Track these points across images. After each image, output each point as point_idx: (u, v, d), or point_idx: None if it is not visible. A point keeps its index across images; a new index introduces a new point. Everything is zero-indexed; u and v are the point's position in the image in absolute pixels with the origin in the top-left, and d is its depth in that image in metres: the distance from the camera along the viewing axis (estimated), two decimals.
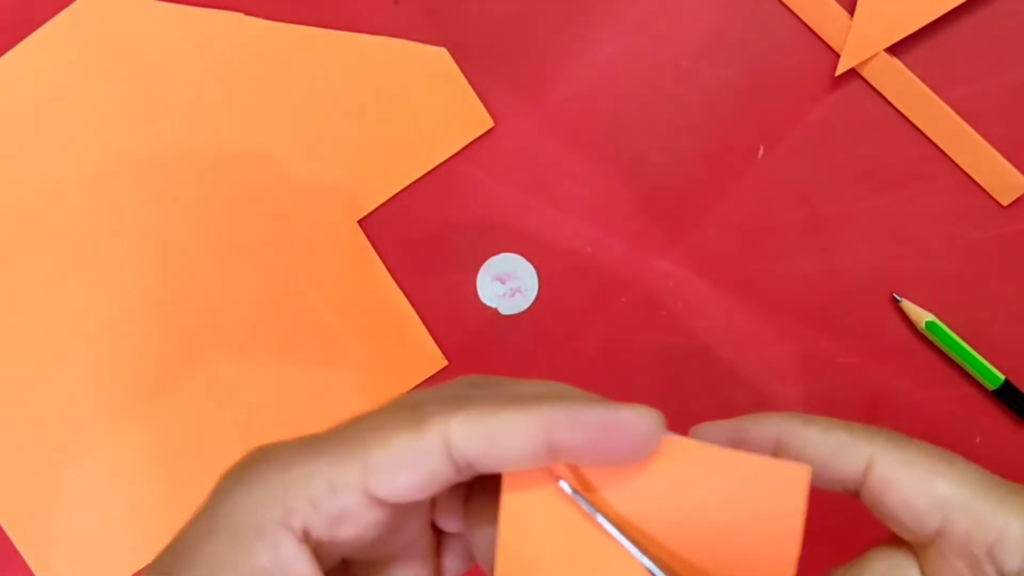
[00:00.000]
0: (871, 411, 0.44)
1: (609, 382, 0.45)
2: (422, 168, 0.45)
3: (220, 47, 0.45)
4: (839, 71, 0.42)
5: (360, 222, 0.45)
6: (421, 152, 0.45)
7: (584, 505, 0.22)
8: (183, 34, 0.45)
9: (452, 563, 0.26)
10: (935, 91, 0.42)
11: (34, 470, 0.47)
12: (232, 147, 0.45)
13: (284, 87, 0.45)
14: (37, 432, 0.47)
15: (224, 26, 0.45)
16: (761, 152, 0.44)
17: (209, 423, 0.46)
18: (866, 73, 0.43)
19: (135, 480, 0.47)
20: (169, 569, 0.22)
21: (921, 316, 0.43)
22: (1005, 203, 0.43)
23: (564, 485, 0.22)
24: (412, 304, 0.45)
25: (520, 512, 0.22)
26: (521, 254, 0.45)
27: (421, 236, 0.45)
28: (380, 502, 0.21)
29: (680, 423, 0.46)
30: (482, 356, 0.46)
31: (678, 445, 0.22)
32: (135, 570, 0.47)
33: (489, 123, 0.44)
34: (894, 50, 0.42)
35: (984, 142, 0.42)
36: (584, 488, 0.22)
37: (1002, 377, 0.43)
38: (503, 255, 0.45)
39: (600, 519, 0.22)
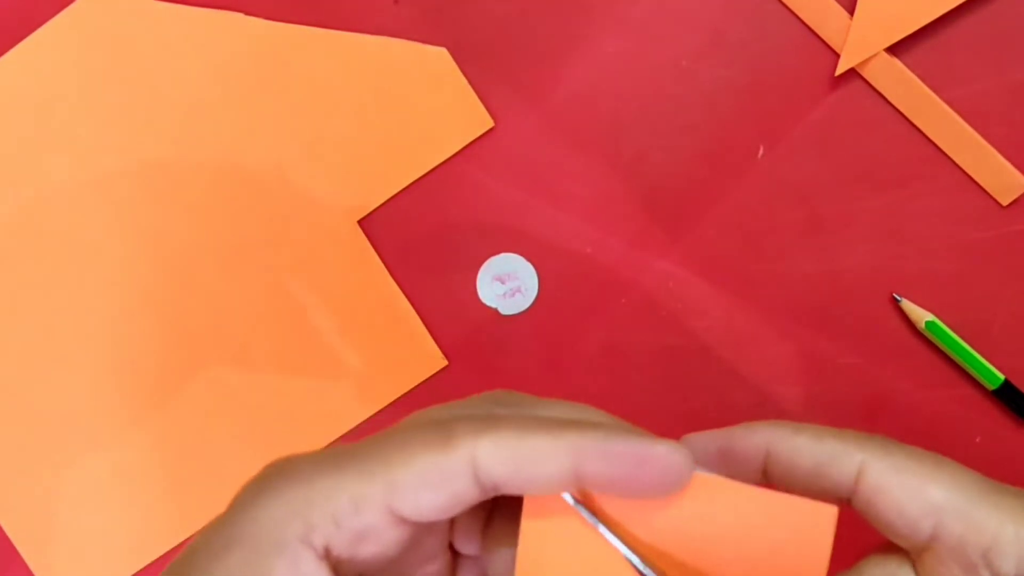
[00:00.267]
0: (871, 411, 0.44)
1: (609, 382, 0.45)
2: (422, 168, 0.45)
3: (220, 47, 0.45)
4: (839, 71, 0.42)
5: (360, 222, 0.45)
6: (421, 152, 0.45)
7: (587, 517, 0.21)
8: (183, 34, 0.45)
9: None
10: (935, 91, 0.42)
11: (34, 470, 0.47)
12: (232, 147, 0.45)
13: (284, 87, 0.45)
14: (37, 432, 0.47)
15: (224, 26, 0.45)
16: (761, 152, 0.44)
17: (209, 423, 0.46)
18: (866, 73, 0.43)
19: (135, 480, 0.47)
20: None
21: (921, 316, 0.43)
22: (1005, 203, 0.43)
23: (567, 497, 0.21)
24: (412, 304, 0.45)
25: (539, 537, 0.22)
26: (521, 254, 0.45)
27: (421, 236, 0.45)
28: (402, 520, 0.21)
29: (680, 423, 0.46)
30: (482, 356, 0.46)
31: (705, 480, 0.22)
32: (135, 570, 0.47)
33: (489, 123, 0.44)
34: (894, 50, 0.42)
35: (984, 142, 0.42)
36: (604, 516, 0.22)
37: (1002, 377, 0.43)
38: (503, 255, 0.45)
39: (603, 531, 0.21)
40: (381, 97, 0.45)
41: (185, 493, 0.47)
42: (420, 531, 0.22)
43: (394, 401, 0.46)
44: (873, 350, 0.44)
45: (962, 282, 0.43)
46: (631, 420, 0.46)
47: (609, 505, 0.22)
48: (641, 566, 0.21)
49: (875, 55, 0.42)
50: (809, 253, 0.44)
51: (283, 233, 0.46)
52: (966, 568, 0.22)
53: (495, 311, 0.45)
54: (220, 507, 0.50)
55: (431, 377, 0.46)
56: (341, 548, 0.21)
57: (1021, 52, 0.42)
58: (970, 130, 0.42)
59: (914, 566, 0.23)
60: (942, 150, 0.43)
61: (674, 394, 0.45)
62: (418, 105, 0.45)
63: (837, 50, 0.43)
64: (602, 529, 0.22)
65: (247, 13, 0.45)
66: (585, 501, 0.22)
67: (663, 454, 0.21)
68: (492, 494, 0.21)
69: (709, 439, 0.25)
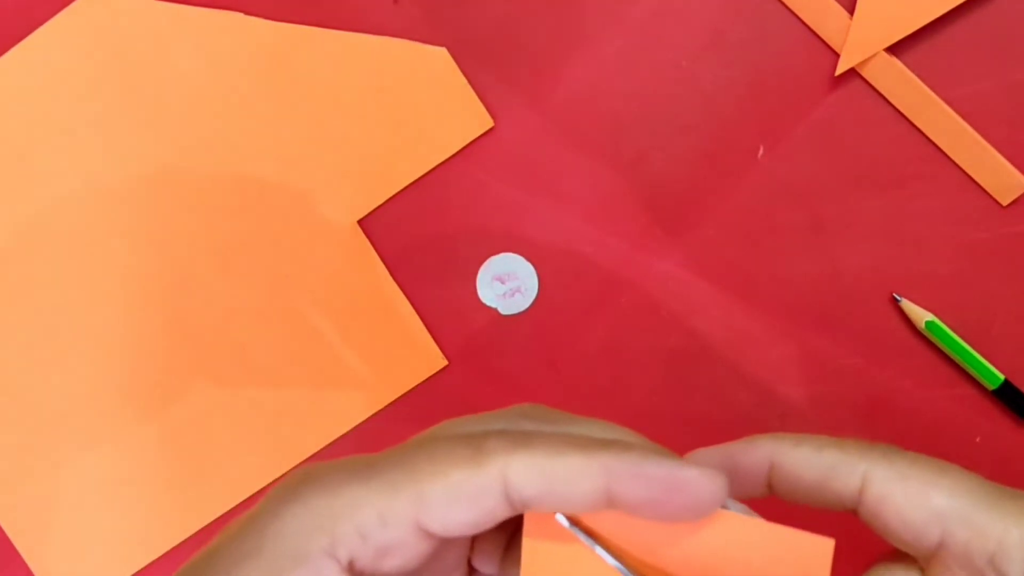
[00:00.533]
0: (871, 411, 0.44)
1: (609, 382, 0.45)
2: (422, 168, 0.45)
3: (220, 47, 0.45)
4: (839, 71, 0.42)
5: (360, 222, 0.45)
6: (421, 152, 0.45)
7: (583, 538, 0.21)
8: (183, 34, 0.45)
9: None
10: (935, 91, 0.42)
11: (34, 470, 0.47)
12: (232, 147, 0.45)
13: (284, 87, 0.45)
14: (37, 432, 0.47)
15: (224, 26, 0.45)
16: (761, 152, 0.44)
17: (209, 423, 0.46)
18: (866, 73, 0.43)
19: (134, 481, 0.47)
20: None
21: (921, 316, 0.43)
22: (1005, 203, 0.43)
23: (560, 518, 0.21)
24: (412, 304, 0.45)
25: (542, 556, 0.22)
26: (521, 254, 0.45)
27: (421, 236, 0.45)
28: (428, 535, 0.21)
29: (680, 423, 0.46)
30: (482, 356, 0.46)
31: None
32: (134, 570, 0.47)
33: (489, 123, 0.44)
34: (894, 50, 0.42)
35: (984, 142, 0.42)
36: (601, 536, 0.22)
37: (1002, 377, 0.43)
38: (503, 255, 0.45)
39: (601, 552, 0.21)
40: (381, 97, 0.45)
41: (185, 493, 0.47)
42: (442, 546, 0.22)
43: (394, 401, 0.46)
44: (873, 350, 0.44)
45: (962, 282, 0.43)
46: (631, 420, 0.46)
47: (606, 525, 0.22)
48: (626, 572, 0.21)
49: (875, 55, 0.42)
50: (809, 253, 0.44)
51: (283, 233, 0.46)
52: (973, 573, 0.22)
53: (495, 311, 0.45)
54: (220, 507, 0.50)
55: (431, 377, 0.46)
56: (365, 561, 0.21)
57: (1021, 52, 0.42)
58: (970, 130, 0.42)
59: (922, 573, 0.23)
60: (942, 150, 0.43)
61: (674, 394, 0.45)
62: (418, 105, 0.45)
63: (837, 50, 0.43)
64: (599, 550, 0.21)
65: (247, 13, 0.45)
66: (580, 520, 0.22)
67: (695, 478, 0.21)
68: (521, 511, 0.21)
69: (712, 455, 0.25)
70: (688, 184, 0.44)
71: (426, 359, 0.46)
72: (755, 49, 0.43)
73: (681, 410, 0.45)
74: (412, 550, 0.21)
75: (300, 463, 0.47)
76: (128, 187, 0.46)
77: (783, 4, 0.43)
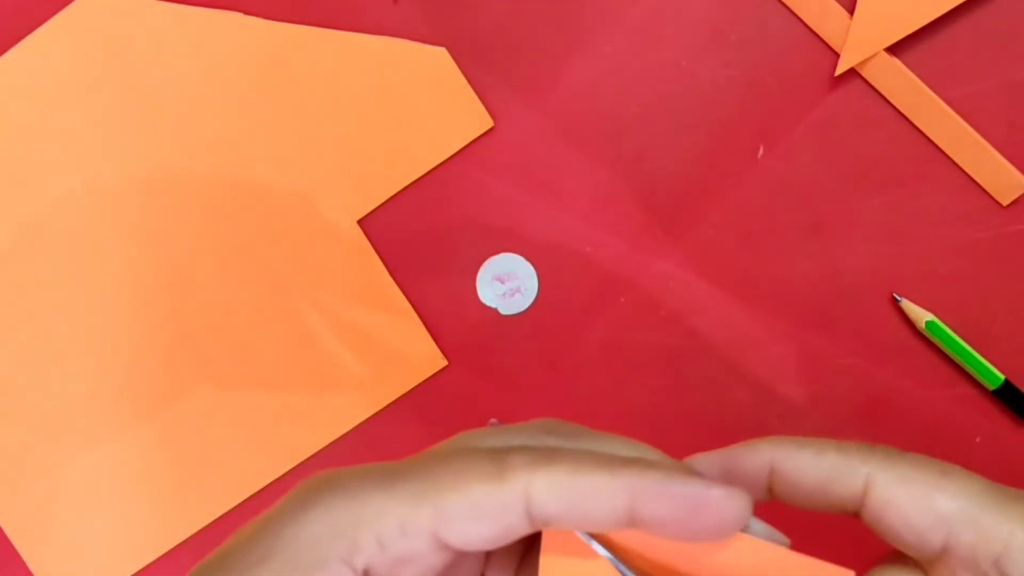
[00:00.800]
0: (871, 411, 0.44)
1: (609, 382, 0.45)
2: (422, 168, 0.45)
3: (220, 47, 0.45)
4: (839, 71, 0.42)
5: (360, 222, 0.45)
6: (421, 152, 0.45)
7: (601, 552, 0.21)
8: (183, 34, 0.45)
9: None
10: (935, 91, 0.42)
11: (33, 470, 0.47)
12: (232, 147, 0.45)
13: (284, 87, 0.45)
14: (37, 432, 0.47)
15: (224, 26, 0.45)
16: (761, 152, 0.44)
17: (209, 423, 0.46)
18: (866, 73, 0.43)
19: (134, 481, 0.47)
20: None
21: (921, 316, 0.43)
22: (1005, 203, 0.43)
23: (581, 534, 0.21)
24: (412, 304, 0.45)
25: (558, 572, 0.22)
26: (521, 254, 0.45)
27: (421, 236, 0.45)
28: (446, 547, 0.21)
29: (680, 423, 0.46)
30: (482, 356, 0.46)
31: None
32: (134, 570, 0.47)
33: (489, 123, 0.44)
34: (894, 50, 0.42)
35: (984, 142, 0.42)
36: (619, 550, 0.22)
37: (1002, 377, 0.43)
38: (503, 255, 0.45)
39: (621, 568, 0.21)
40: (381, 97, 0.45)
41: (185, 494, 0.47)
42: (457, 559, 0.22)
43: (394, 401, 0.46)
44: (873, 350, 0.44)
45: (962, 282, 0.43)
46: (631, 419, 0.46)
47: (625, 543, 0.22)
48: None
49: (875, 55, 0.42)
50: (809, 253, 0.44)
51: (283, 233, 0.46)
52: None
53: (495, 311, 0.45)
54: (220, 508, 0.50)
55: (431, 377, 0.46)
56: (381, 571, 0.21)
57: (1021, 52, 0.42)
58: (970, 130, 0.42)
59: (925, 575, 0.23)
60: (942, 150, 0.43)
61: (674, 394, 0.45)
62: (418, 105, 0.45)
63: (837, 50, 0.43)
64: (620, 567, 0.21)
65: (247, 13, 0.45)
66: (600, 538, 0.22)
67: (720, 497, 0.20)
68: (542, 528, 0.21)
69: (712, 460, 0.25)
70: (688, 184, 0.44)
71: (426, 359, 0.46)
72: (755, 49, 0.43)
73: (681, 409, 0.45)
74: (428, 561, 0.21)
75: (300, 463, 0.47)
76: (128, 187, 0.46)
77: (783, 4, 0.43)
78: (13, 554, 0.47)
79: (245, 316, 0.46)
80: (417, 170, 0.45)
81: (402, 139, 0.45)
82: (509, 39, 0.44)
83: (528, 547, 0.24)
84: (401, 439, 0.46)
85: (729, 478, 0.24)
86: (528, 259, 0.45)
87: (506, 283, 0.45)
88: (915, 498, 0.22)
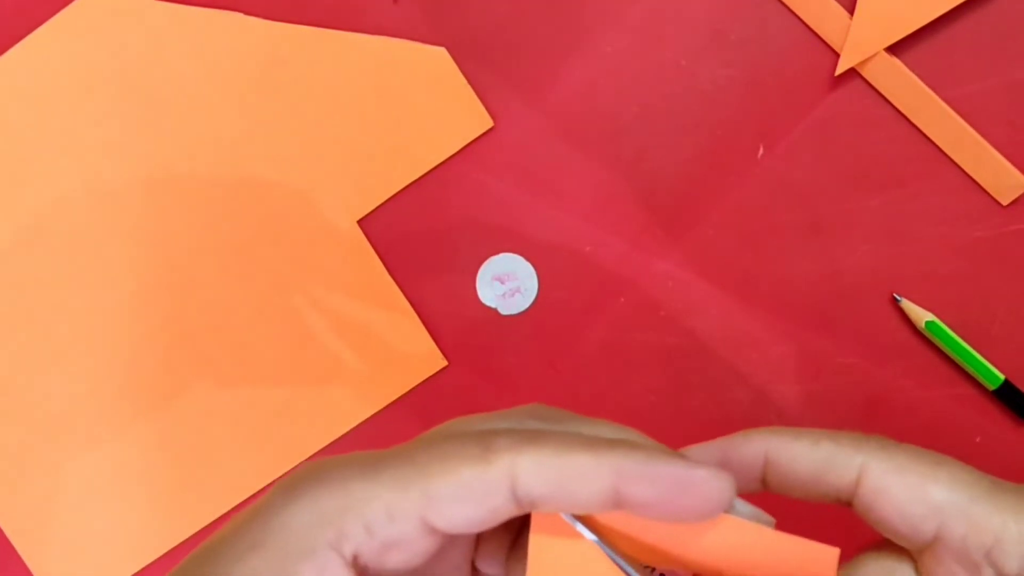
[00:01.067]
0: (871, 411, 0.44)
1: (609, 382, 0.45)
2: (422, 168, 0.45)
3: (220, 47, 0.45)
4: (839, 71, 0.42)
5: (360, 222, 0.45)
6: (421, 152, 0.45)
7: (586, 534, 0.21)
8: (183, 34, 0.45)
9: None
10: (935, 91, 0.42)
11: (33, 470, 0.47)
12: (231, 147, 0.45)
13: (284, 87, 0.45)
14: (37, 432, 0.47)
15: (223, 26, 0.45)
16: (761, 152, 0.44)
17: (209, 423, 0.46)
18: (866, 73, 0.43)
19: (134, 480, 0.47)
20: None
21: (921, 316, 0.43)
22: (1005, 203, 0.43)
23: (567, 516, 0.21)
24: (412, 304, 0.45)
25: (549, 554, 0.22)
26: (521, 254, 0.45)
27: (421, 236, 0.45)
28: (434, 531, 0.21)
29: (679, 422, 0.46)
30: (482, 356, 0.46)
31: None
32: (134, 570, 0.47)
33: (489, 123, 0.44)
34: (894, 50, 0.42)
35: (984, 142, 0.42)
36: (607, 534, 0.22)
37: (1002, 377, 0.43)
38: (503, 255, 0.45)
39: (606, 550, 0.21)
40: (381, 97, 0.45)
41: (185, 493, 0.47)
42: (446, 544, 0.22)
43: (394, 401, 0.46)
44: (873, 350, 0.44)
45: (962, 282, 0.43)
46: (631, 419, 0.46)
47: (612, 525, 0.22)
48: (631, 571, 0.21)
49: (875, 55, 0.42)
50: (809, 253, 0.44)
51: (283, 233, 0.46)
52: (969, 567, 0.22)
53: (495, 311, 0.45)
54: (220, 507, 0.50)
55: (431, 377, 0.46)
56: (370, 556, 0.21)
57: (1021, 51, 0.42)
58: (970, 130, 0.42)
59: (914, 564, 0.23)
60: (942, 150, 0.43)
61: (673, 393, 0.45)
62: (418, 105, 0.45)
63: (837, 50, 0.43)
64: (605, 549, 0.21)
65: (247, 13, 0.45)
66: (587, 520, 0.22)
67: (704, 478, 0.21)
68: (528, 511, 0.21)
69: (707, 451, 0.25)
70: (688, 184, 0.44)
71: (426, 359, 0.46)
72: (755, 49, 0.43)
73: (680, 409, 0.45)
74: (417, 546, 0.21)
75: (300, 463, 0.47)
76: (127, 187, 0.46)
77: (783, 4, 0.43)
78: (13, 554, 0.47)
79: (245, 316, 0.46)
80: (417, 170, 0.45)
81: (402, 139, 0.45)
82: (509, 39, 0.44)
83: (517, 533, 0.25)
84: (400, 439, 0.46)
85: (724, 469, 0.24)
86: (528, 259, 0.45)
87: (506, 283, 0.45)
88: (908, 487, 0.22)
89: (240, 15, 0.45)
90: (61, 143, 0.46)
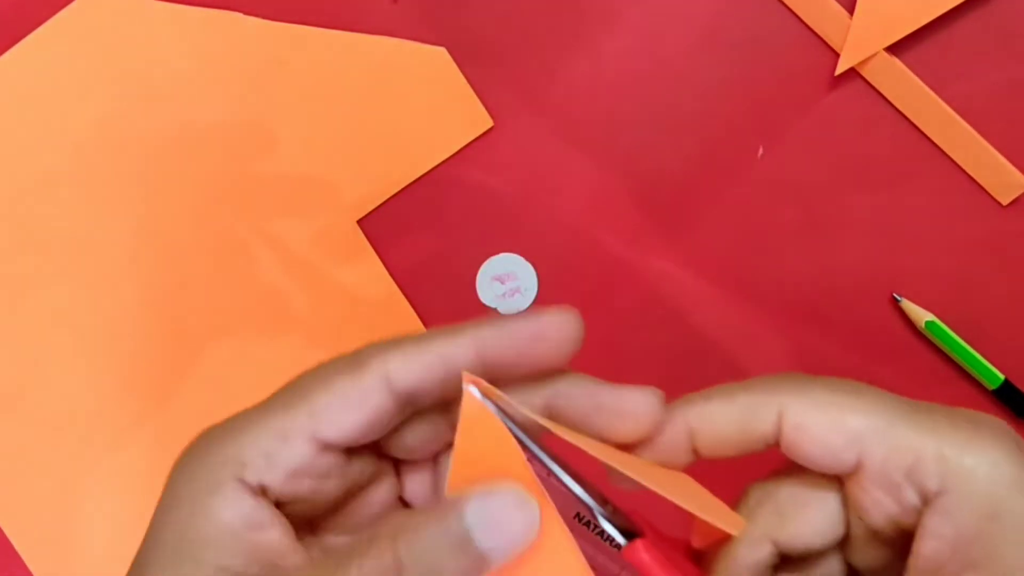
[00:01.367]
0: None
1: (607, 380, 0.45)
2: (422, 168, 0.45)
3: (219, 47, 0.45)
4: (839, 70, 0.42)
5: (360, 222, 0.45)
6: (421, 152, 0.45)
7: (493, 409, 0.22)
8: (182, 34, 0.45)
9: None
10: (935, 90, 0.42)
11: (34, 471, 0.47)
12: (231, 147, 0.45)
13: (283, 87, 0.45)
14: (37, 433, 0.47)
15: (223, 26, 0.45)
16: (760, 152, 0.44)
17: (211, 422, 0.46)
18: (866, 72, 0.43)
19: (135, 481, 0.47)
20: (144, 558, 0.23)
21: (921, 316, 0.43)
22: (1005, 202, 0.43)
23: (473, 390, 0.22)
24: (412, 304, 0.45)
25: (472, 438, 0.22)
26: (521, 254, 0.45)
27: (421, 236, 0.45)
28: (328, 446, 0.22)
29: None
30: None
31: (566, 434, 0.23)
32: None
33: (488, 123, 0.44)
34: (894, 49, 0.42)
35: (984, 141, 0.42)
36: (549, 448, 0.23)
37: (1002, 377, 0.43)
38: (502, 255, 0.45)
39: (509, 424, 0.22)
40: (380, 97, 0.45)
41: None
42: (355, 465, 0.23)
43: None
44: (873, 350, 0.44)
45: (962, 282, 0.43)
46: None
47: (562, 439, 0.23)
48: (549, 462, 0.22)
49: (875, 54, 0.42)
50: (808, 252, 0.44)
51: (283, 233, 0.46)
52: (891, 490, 0.22)
53: (495, 311, 0.45)
54: None
55: None
56: (276, 484, 0.22)
57: (1021, 51, 0.42)
58: (970, 129, 0.42)
59: (841, 491, 0.24)
60: (942, 149, 0.43)
61: (672, 392, 0.45)
62: (417, 105, 0.45)
63: (837, 50, 0.43)
64: (514, 429, 0.22)
65: (246, 13, 0.45)
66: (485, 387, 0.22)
67: (552, 320, 0.23)
68: (411, 408, 0.23)
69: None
70: (687, 183, 0.44)
71: None
72: (754, 48, 0.43)
73: None
74: (318, 466, 0.22)
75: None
76: (126, 186, 0.46)
77: (782, 3, 0.43)
78: (13, 554, 0.47)
79: (244, 317, 0.46)
80: (417, 170, 0.45)
81: (402, 139, 0.45)
82: (509, 39, 0.44)
83: (441, 468, 0.26)
84: None
85: (654, 453, 0.25)
86: (528, 259, 0.45)
87: (506, 283, 0.45)
88: (826, 420, 0.23)
89: (240, 15, 0.45)
90: (61, 143, 0.46)
